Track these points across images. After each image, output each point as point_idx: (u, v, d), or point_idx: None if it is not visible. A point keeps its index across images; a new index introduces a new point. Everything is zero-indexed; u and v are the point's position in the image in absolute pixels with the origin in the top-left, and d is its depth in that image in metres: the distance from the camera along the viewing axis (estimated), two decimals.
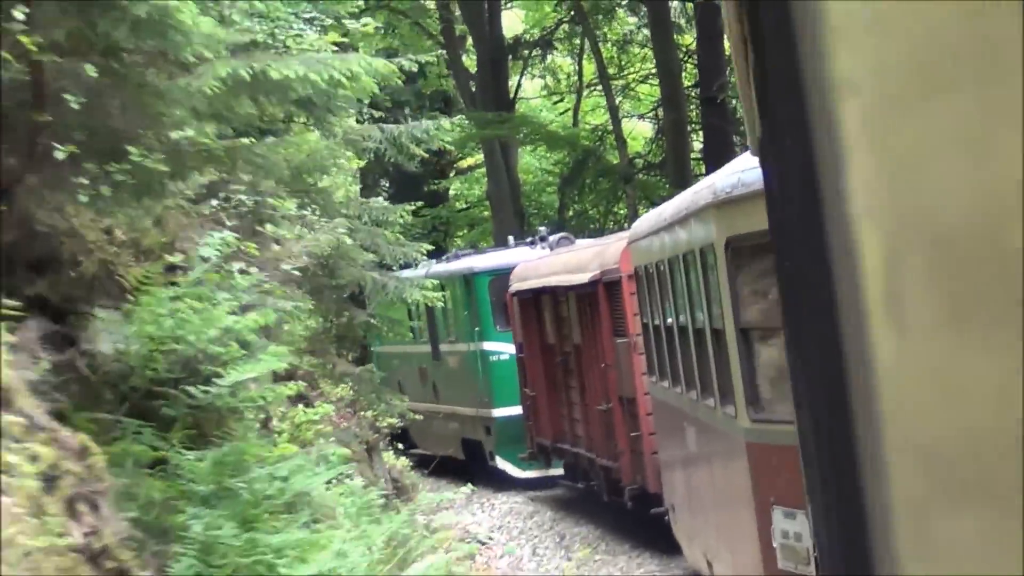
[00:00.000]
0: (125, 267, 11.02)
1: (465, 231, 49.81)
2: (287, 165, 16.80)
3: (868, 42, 1.68)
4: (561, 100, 49.25)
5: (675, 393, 15.96)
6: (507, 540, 24.08)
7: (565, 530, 24.11)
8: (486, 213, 46.44)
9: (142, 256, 11.41)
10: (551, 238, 29.03)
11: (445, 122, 21.31)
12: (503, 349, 28.50)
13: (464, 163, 51.66)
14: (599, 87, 44.80)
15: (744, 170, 12.13)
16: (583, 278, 21.93)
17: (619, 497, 21.63)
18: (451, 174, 51.58)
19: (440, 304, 24.04)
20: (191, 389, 10.03)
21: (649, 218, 18.07)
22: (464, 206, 51.50)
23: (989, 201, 1.63)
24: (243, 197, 13.99)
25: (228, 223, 13.27)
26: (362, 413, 21.68)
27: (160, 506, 9.16)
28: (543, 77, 49.62)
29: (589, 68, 45.90)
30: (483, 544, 23.56)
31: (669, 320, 15.99)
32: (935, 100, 1.65)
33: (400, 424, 23.43)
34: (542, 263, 26.22)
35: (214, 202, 13.38)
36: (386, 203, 22.70)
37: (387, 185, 48.46)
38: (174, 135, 9.25)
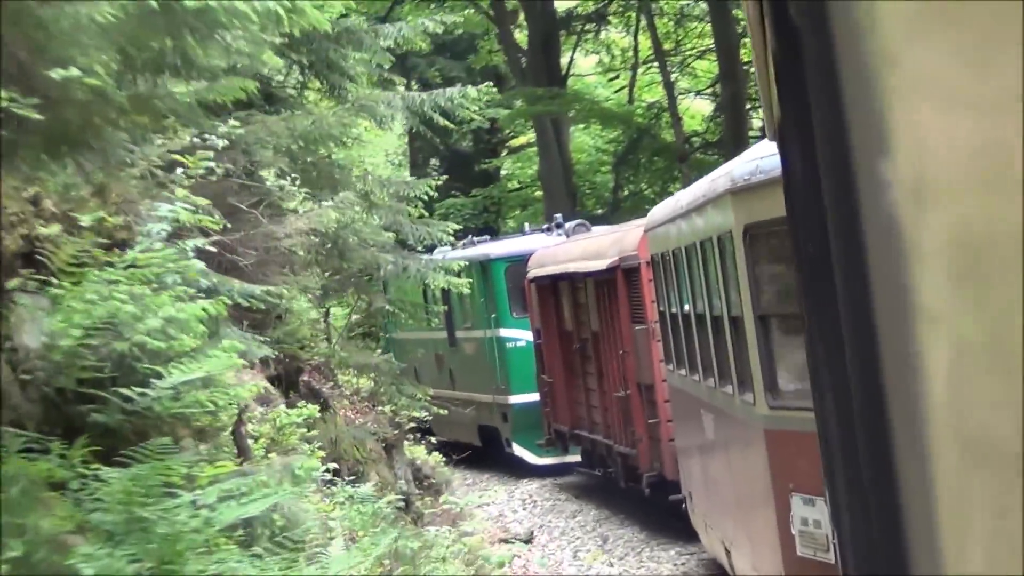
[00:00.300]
0: (55, 244, 9.32)
1: (517, 212, 47.75)
2: (289, 134, 15.41)
3: (913, 12, 1.64)
4: (616, 77, 47.48)
5: (692, 380, 15.96)
6: (548, 540, 22.86)
7: (609, 531, 22.87)
8: (539, 193, 44.81)
9: (77, 232, 9.59)
10: (567, 225, 29.02)
11: (471, 90, 19.21)
12: (519, 335, 28.50)
13: (516, 142, 49.77)
14: (656, 63, 43.15)
15: (762, 157, 12.12)
16: (601, 264, 21.92)
17: (636, 484, 21.64)
18: (503, 153, 49.66)
19: (467, 290, 22.38)
20: (125, 391, 8.30)
21: (666, 205, 18.06)
22: (516, 186, 49.55)
23: None
24: (213, 164, 11.86)
25: (180, 193, 11.15)
26: (380, 408, 20.22)
27: (52, 542, 7.22)
28: (597, 53, 47.76)
29: (645, 43, 44.11)
30: (513, 543, 22.38)
31: (686, 307, 15.98)
32: (988, 69, 1.61)
33: (427, 417, 21.98)
34: (560, 249, 26.21)
35: (180, 170, 11.39)
36: (409, 177, 20.88)
37: (437, 164, 46.90)
38: (55, 75, 7.31)
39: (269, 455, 11.52)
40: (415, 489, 19.64)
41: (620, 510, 23.89)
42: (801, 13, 1.79)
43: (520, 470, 28.87)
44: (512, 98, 40.26)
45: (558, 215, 31.15)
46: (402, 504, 16.68)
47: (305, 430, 13.40)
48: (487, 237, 32.68)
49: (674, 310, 16.98)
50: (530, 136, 45.68)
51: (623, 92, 46.20)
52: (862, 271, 1.70)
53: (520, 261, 28.14)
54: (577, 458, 27.08)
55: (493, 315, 29.14)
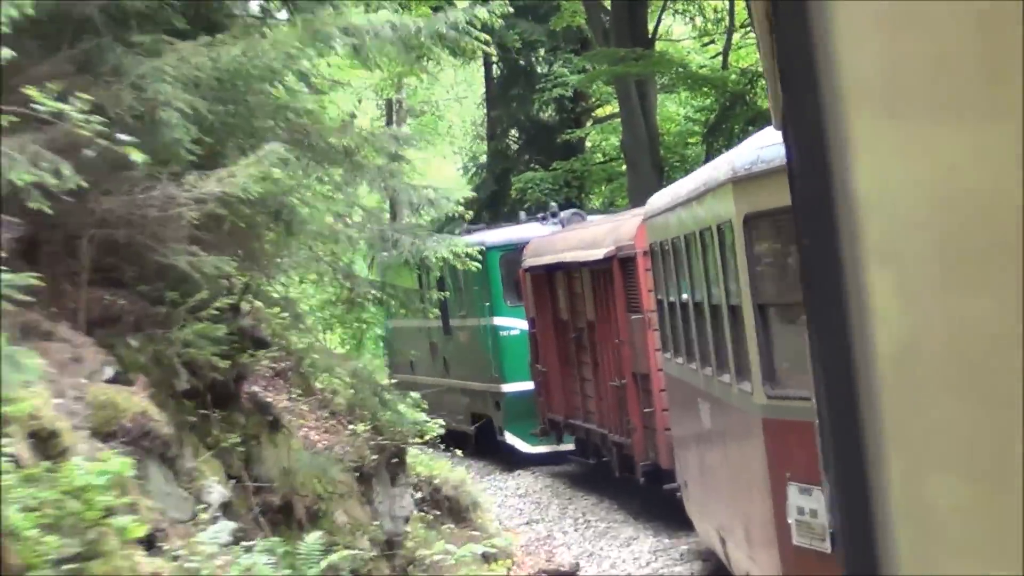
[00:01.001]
0: None
1: (603, 186, 43.49)
2: (212, 65, 11.62)
3: (875, 39, 1.69)
4: (712, 43, 43.94)
5: (690, 369, 15.97)
6: (595, 574, 20.15)
7: (665, 567, 19.83)
8: (625, 167, 39.88)
9: None
10: (562, 214, 29.07)
11: (481, 11, 14.89)
12: (513, 324, 28.54)
13: (602, 111, 44.84)
14: (751, 27, 38.00)
15: (763, 147, 12.12)
16: (598, 254, 21.93)
17: (631, 473, 21.67)
18: (588, 123, 44.92)
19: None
20: None
21: (665, 194, 18.07)
22: (602, 159, 44.47)
23: (993, 198, 1.63)
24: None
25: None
26: (354, 427, 15.40)
27: None
28: (684, 14, 43.94)
29: (741, 5, 39.60)
30: None
31: (685, 296, 15.99)
32: (942, 98, 1.65)
33: (439, 431, 17.67)
34: (556, 239, 26.23)
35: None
36: (402, 130, 17.30)
37: (517, 135, 44.28)
38: None
39: (46, 539, 7.26)
40: (404, 527, 15.88)
41: (680, 535, 20.93)
42: (787, 17, 1.83)
43: (513, 461, 28.91)
44: (593, 60, 36.91)
45: (553, 204, 31.11)
46: (374, 554, 13.65)
47: (113, 495, 7.92)
48: (483, 225, 32.69)
49: (672, 299, 17.00)
50: (617, 104, 40.11)
51: (717, 60, 42.26)
52: (837, 264, 1.75)
53: (514, 249, 28.18)
54: (570, 447, 27.13)
55: (487, 303, 29.17)
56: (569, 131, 42.24)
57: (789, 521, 11.64)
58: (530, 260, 26.70)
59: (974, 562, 1.67)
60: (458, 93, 56.60)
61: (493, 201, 41.88)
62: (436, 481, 18.67)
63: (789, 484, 11.63)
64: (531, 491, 26.86)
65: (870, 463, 1.74)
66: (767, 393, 12.00)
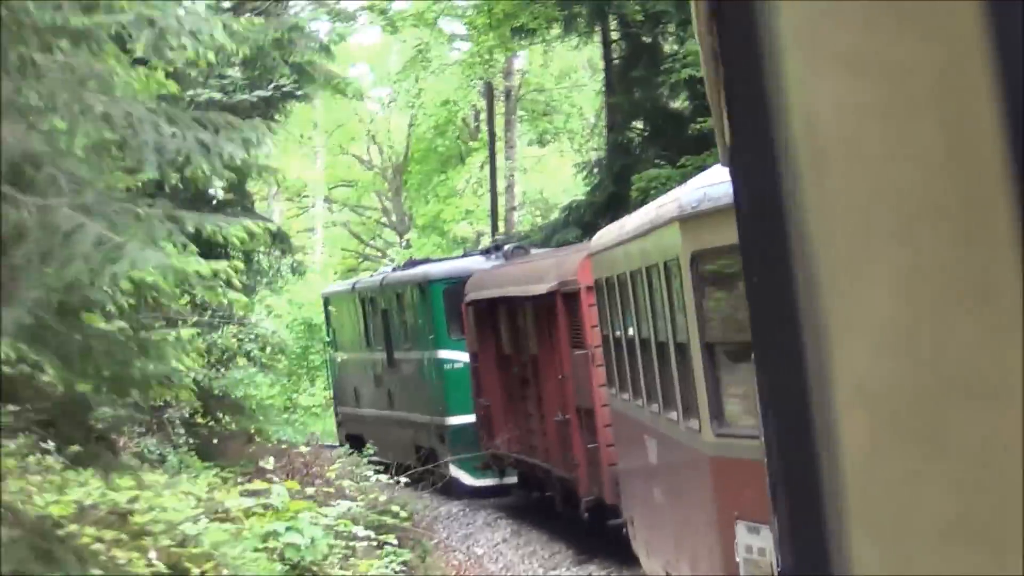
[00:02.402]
0: None
1: None
2: None
3: (832, 78, 1.68)
4: None
5: (635, 405, 15.99)
6: None
7: None
8: None
9: None
10: (506, 247, 29.19)
11: None
12: (457, 357, 28.59)
13: None
14: None
15: (710, 184, 12.19)
16: (541, 289, 21.95)
17: (574, 508, 21.66)
18: None
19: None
20: None
21: (611, 231, 18.13)
22: None
23: (954, 237, 1.64)
24: None
25: None
26: None
27: None
28: None
29: None
30: None
31: (631, 332, 16.02)
32: (899, 138, 1.65)
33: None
34: (499, 272, 26.25)
35: None
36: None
37: (641, 126, 36.73)
38: None
39: None
40: None
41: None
42: (736, 52, 1.83)
43: (457, 492, 28.89)
44: None
45: (500, 236, 31.24)
46: None
47: None
48: (428, 259, 32.70)
49: (618, 334, 17.02)
50: None
51: None
52: (792, 300, 1.72)
53: (458, 282, 28.24)
54: (514, 480, 27.17)
55: (431, 336, 29.21)
56: (702, 120, 33.79)
57: (737, 559, 11.66)
58: (472, 294, 26.70)
59: None
60: (577, 80, 52.92)
61: (611, 204, 34.50)
62: None
63: (737, 522, 11.65)
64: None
65: (827, 505, 1.70)
66: (715, 431, 12.02)
